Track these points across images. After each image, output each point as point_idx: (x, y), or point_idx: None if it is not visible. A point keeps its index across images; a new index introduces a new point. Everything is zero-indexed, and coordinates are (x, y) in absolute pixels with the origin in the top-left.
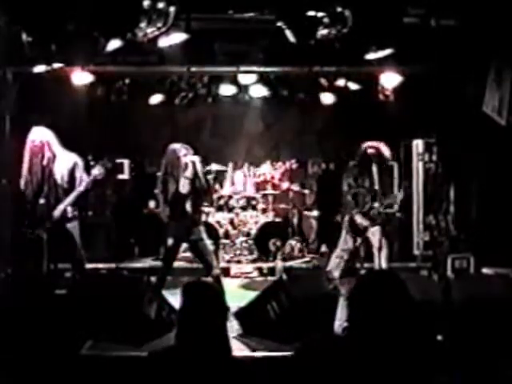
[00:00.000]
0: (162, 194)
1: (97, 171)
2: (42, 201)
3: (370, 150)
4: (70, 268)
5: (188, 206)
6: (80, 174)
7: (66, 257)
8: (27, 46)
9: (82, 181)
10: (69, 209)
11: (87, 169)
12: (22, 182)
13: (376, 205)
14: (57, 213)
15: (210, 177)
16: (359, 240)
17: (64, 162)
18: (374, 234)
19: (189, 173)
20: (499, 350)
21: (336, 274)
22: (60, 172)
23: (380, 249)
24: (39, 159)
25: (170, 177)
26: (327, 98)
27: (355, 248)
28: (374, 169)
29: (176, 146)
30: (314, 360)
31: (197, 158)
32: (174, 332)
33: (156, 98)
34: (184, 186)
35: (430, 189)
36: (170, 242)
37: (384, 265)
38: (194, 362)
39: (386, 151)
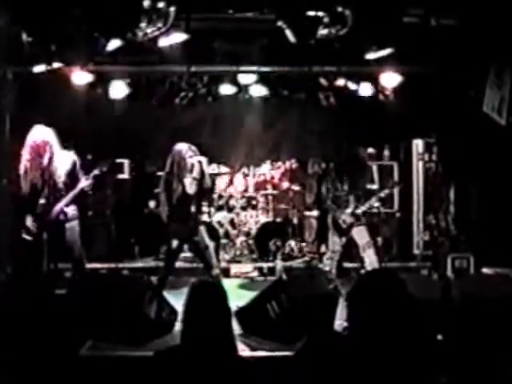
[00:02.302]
0: (164, 194)
1: (97, 171)
2: (41, 201)
3: (350, 154)
4: (69, 268)
5: (193, 207)
6: (78, 173)
7: (66, 257)
8: (27, 45)
9: (80, 181)
10: (68, 209)
11: (87, 169)
12: (22, 182)
13: (359, 205)
14: (53, 213)
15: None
16: (343, 239)
17: (63, 161)
18: (359, 234)
19: (196, 173)
20: (499, 350)
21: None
22: (59, 172)
23: (364, 249)
24: (39, 158)
25: (175, 177)
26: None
27: (343, 248)
28: (355, 171)
29: (183, 146)
30: (314, 360)
31: (204, 159)
32: (174, 332)
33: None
34: (191, 187)
35: (430, 189)
36: (175, 243)
37: (373, 264)
38: (200, 361)
39: (365, 153)
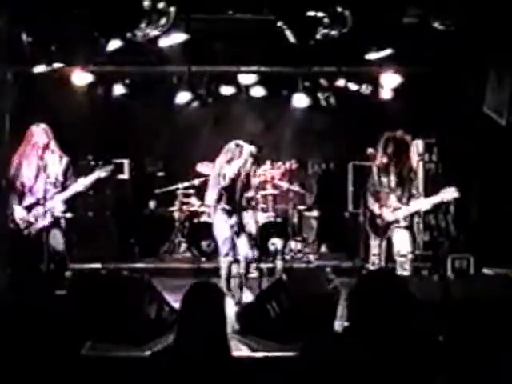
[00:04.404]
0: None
1: (95, 176)
2: (32, 199)
3: (390, 150)
4: (69, 268)
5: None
6: (70, 175)
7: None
8: (27, 45)
9: (74, 182)
10: (56, 208)
11: (87, 169)
12: (15, 177)
13: (401, 206)
14: (42, 210)
15: None
16: (383, 242)
17: (58, 162)
18: (399, 237)
19: (249, 165)
20: (499, 350)
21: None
22: (54, 173)
23: (400, 255)
24: (37, 159)
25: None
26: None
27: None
28: (396, 169)
29: (242, 143)
30: (314, 360)
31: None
32: (173, 332)
33: (156, 98)
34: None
35: (430, 189)
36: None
37: (405, 273)
38: (194, 362)
39: (409, 147)
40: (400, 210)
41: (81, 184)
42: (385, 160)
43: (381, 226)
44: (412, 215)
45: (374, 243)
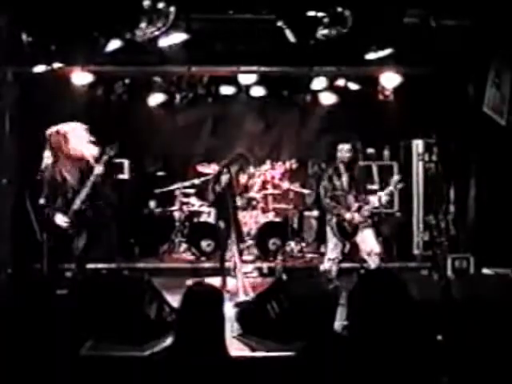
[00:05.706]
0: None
1: (105, 157)
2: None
3: (339, 152)
4: (70, 268)
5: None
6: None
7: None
8: (27, 45)
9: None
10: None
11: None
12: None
13: (362, 204)
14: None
15: None
16: (347, 245)
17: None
18: (364, 238)
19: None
20: (499, 350)
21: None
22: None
23: (370, 254)
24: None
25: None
26: (327, 98)
27: (343, 255)
28: (352, 168)
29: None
30: (314, 360)
31: None
32: (173, 332)
33: (156, 98)
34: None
35: (430, 189)
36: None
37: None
38: (193, 362)
39: (356, 149)
40: (363, 209)
41: (96, 170)
42: (336, 166)
43: (350, 231)
44: (375, 212)
45: (337, 244)
